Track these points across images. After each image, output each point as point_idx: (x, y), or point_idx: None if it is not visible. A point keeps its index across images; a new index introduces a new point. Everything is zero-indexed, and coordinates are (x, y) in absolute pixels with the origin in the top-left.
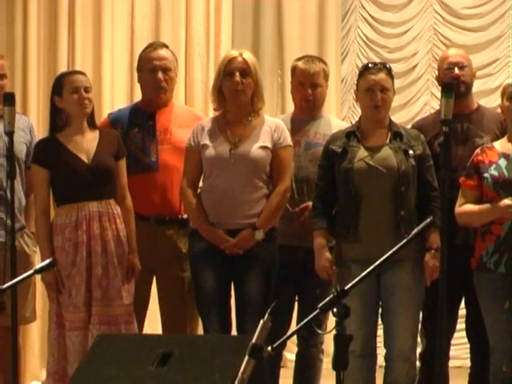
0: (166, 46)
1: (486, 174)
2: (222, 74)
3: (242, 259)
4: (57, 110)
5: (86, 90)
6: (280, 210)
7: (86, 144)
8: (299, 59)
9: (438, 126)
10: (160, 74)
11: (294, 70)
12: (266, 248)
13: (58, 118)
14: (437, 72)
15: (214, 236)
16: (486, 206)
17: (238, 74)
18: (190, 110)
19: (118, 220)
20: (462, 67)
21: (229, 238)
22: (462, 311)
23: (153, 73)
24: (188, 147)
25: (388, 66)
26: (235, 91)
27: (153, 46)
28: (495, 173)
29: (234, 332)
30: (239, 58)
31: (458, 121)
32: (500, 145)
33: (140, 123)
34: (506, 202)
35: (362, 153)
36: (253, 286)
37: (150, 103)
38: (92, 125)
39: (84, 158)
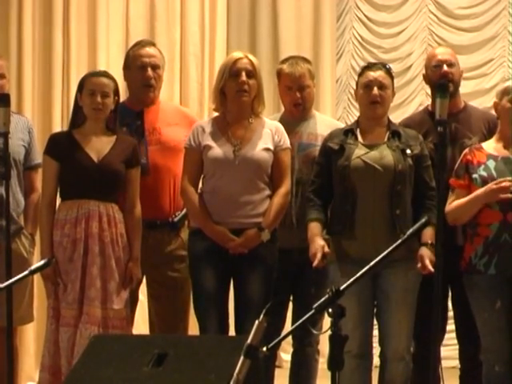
0: (154, 44)
1: (475, 175)
2: (226, 74)
3: (244, 259)
4: (79, 107)
5: (104, 94)
6: (283, 210)
7: (100, 145)
8: (283, 62)
9: (426, 125)
10: (149, 71)
11: (279, 73)
12: (268, 248)
13: (78, 115)
14: (424, 71)
15: (219, 235)
16: (473, 193)
17: (244, 74)
18: (177, 107)
19: (118, 225)
20: (450, 65)
21: (234, 238)
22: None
23: (142, 70)
24: (188, 147)
25: (388, 66)
26: (240, 92)
27: (141, 44)
28: (484, 173)
29: (232, 332)
30: (245, 60)
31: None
32: (488, 146)
33: (128, 123)
34: (494, 182)
35: (359, 150)
36: (255, 287)
37: (138, 101)
38: (110, 130)
39: (94, 157)
